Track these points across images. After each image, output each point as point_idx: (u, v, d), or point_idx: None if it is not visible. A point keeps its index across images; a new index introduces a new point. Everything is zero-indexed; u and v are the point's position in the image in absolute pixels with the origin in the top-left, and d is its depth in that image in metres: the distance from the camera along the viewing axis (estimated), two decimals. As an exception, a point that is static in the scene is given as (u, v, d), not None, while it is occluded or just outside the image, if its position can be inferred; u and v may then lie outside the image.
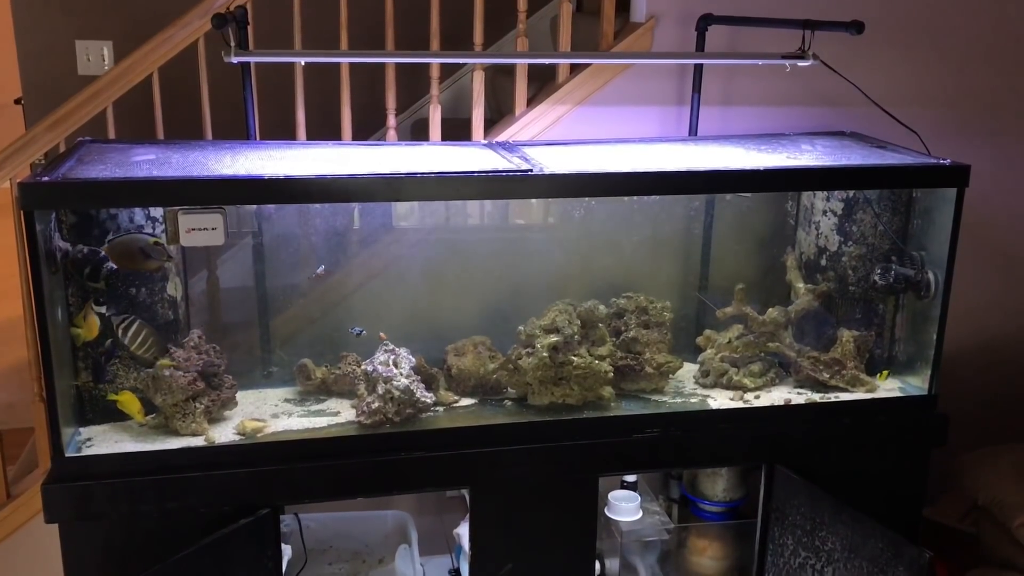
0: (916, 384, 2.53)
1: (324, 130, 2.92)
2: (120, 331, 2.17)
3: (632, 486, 2.82)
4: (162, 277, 2.27)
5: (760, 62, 2.61)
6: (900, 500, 2.49)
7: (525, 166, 2.22)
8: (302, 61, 2.71)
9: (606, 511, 2.71)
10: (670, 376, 2.52)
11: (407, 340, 2.37)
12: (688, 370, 2.59)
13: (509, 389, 2.44)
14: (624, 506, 2.72)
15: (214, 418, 2.25)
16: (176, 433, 2.19)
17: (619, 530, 2.70)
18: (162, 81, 2.77)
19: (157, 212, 2.22)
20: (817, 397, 2.49)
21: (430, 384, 2.37)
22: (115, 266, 2.17)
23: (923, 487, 2.53)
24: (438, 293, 2.58)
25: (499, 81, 3.34)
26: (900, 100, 2.73)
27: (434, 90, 2.88)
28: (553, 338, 2.34)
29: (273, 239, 2.44)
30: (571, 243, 2.64)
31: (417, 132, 3.56)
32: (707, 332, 2.61)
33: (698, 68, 2.81)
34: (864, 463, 2.46)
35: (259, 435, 2.22)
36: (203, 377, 2.22)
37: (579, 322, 2.40)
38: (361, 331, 2.38)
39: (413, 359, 2.34)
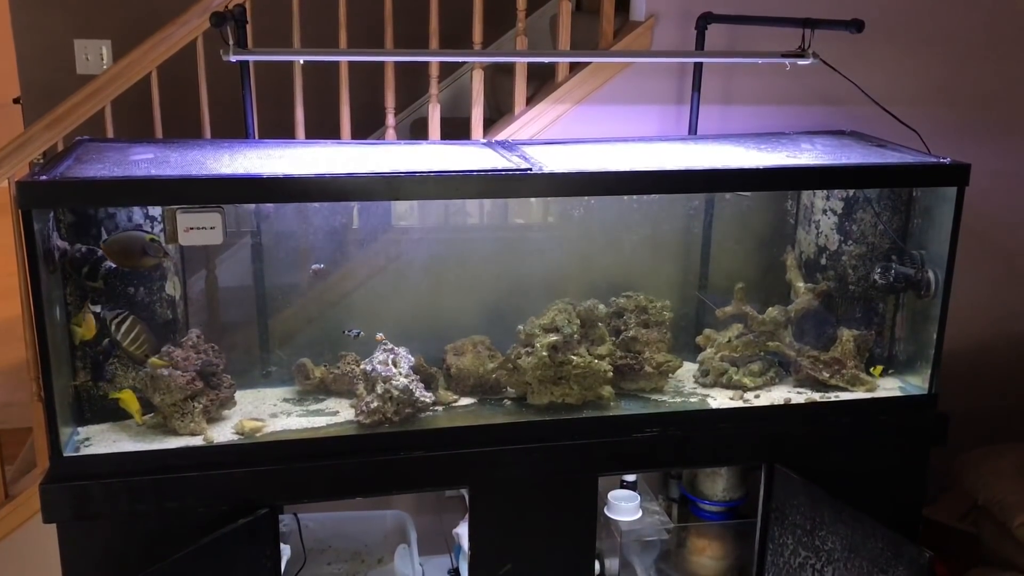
0: (916, 383, 2.53)
1: (323, 129, 2.92)
2: (113, 326, 2.16)
3: (632, 486, 2.82)
4: (161, 276, 2.26)
5: (760, 61, 2.61)
6: (900, 500, 2.49)
7: (524, 165, 2.22)
8: (301, 60, 2.71)
9: (606, 511, 2.71)
10: (670, 375, 2.52)
11: (406, 339, 2.37)
12: (688, 369, 2.59)
13: (508, 389, 2.43)
14: (624, 506, 2.72)
15: (213, 418, 2.25)
16: (175, 433, 2.19)
17: (619, 530, 2.70)
18: (161, 80, 2.76)
19: (156, 211, 2.21)
20: (817, 396, 2.48)
21: (429, 384, 2.36)
22: (113, 265, 2.16)
23: (923, 487, 2.53)
24: (437, 292, 2.58)
25: (498, 80, 3.33)
26: (900, 99, 2.72)
27: (433, 89, 2.88)
28: (552, 337, 2.34)
29: (272, 238, 2.44)
30: (570, 242, 2.64)
31: (416, 131, 3.56)
32: (707, 331, 2.61)
33: (698, 67, 2.81)
34: (864, 463, 2.46)
35: (258, 435, 2.22)
36: (202, 376, 2.22)
37: (578, 321, 2.39)
38: (358, 333, 2.37)
39: (412, 358, 2.33)
